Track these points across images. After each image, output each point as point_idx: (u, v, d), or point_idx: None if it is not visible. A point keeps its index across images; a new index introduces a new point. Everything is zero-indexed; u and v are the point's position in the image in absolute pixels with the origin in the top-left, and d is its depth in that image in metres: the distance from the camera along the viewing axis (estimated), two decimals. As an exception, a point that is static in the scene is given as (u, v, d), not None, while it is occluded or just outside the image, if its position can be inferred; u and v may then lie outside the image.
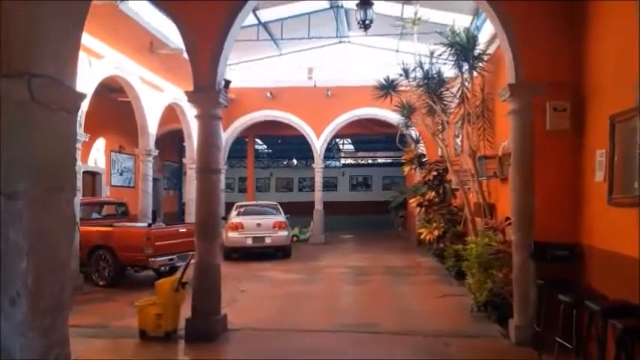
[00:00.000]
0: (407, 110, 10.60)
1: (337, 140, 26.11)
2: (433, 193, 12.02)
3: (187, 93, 6.17)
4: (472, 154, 8.62)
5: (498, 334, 5.78)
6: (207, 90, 6.07)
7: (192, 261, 6.22)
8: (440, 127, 10.61)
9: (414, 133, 14.55)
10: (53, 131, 2.83)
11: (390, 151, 28.73)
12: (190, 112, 15.25)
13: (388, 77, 10.17)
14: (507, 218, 6.40)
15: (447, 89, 9.63)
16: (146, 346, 5.66)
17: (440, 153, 14.38)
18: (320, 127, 17.62)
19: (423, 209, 12.25)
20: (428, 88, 9.45)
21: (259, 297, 8.65)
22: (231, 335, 6.07)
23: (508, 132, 8.00)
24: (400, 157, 28.68)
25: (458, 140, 11.89)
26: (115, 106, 15.06)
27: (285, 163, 29.93)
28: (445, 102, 9.71)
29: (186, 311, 6.05)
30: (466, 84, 8.62)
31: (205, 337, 5.79)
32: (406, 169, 13.73)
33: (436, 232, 11.47)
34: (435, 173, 12.14)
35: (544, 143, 5.28)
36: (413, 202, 12.37)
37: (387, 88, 10.17)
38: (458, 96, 9.16)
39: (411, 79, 9.62)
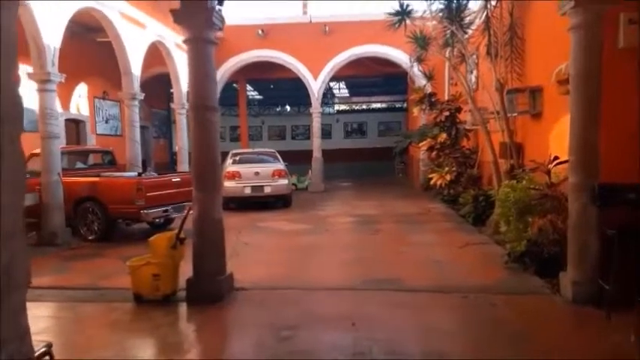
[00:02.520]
0: (421, 41, 9.51)
1: (331, 85, 24.87)
2: (445, 135, 11.14)
3: (174, 12, 5.10)
4: (499, 87, 7.67)
5: (546, 290, 5.08)
6: (198, 8, 5.01)
7: (191, 212, 5.37)
8: (459, 59, 9.59)
9: (420, 72, 13.51)
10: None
11: (386, 95, 27.64)
12: (177, 53, 14.00)
13: (403, 2, 9.01)
14: (555, 157, 5.56)
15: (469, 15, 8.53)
16: (143, 312, 4.91)
17: (449, 92, 13.43)
18: (317, 67, 16.44)
19: (434, 153, 11.42)
20: (449, 14, 8.35)
21: (264, 250, 7.90)
22: (238, 296, 5.33)
23: (542, 60, 7.10)
24: (397, 101, 27.90)
25: (472, 76, 10.91)
26: (95, 49, 13.76)
27: (277, 110, 28.69)
28: (467, 30, 8.64)
29: (185, 270, 5.28)
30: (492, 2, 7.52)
31: (209, 299, 5.04)
32: (415, 110, 12.76)
33: (448, 177, 10.71)
34: (447, 113, 11.22)
35: (614, 65, 4.37)
36: (423, 145, 11.52)
37: (402, 14, 9.03)
38: (481, 21, 8.09)
39: (428, 2, 8.46)
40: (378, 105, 29.21)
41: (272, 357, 3.80)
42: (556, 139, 6.38)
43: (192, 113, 5.27)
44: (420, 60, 10.65)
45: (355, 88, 26.61)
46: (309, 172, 17.06)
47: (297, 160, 17.56)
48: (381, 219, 10.43)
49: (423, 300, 5.04)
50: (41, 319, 4.68)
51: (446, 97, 13.03)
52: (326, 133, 26.13)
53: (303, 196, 14.81)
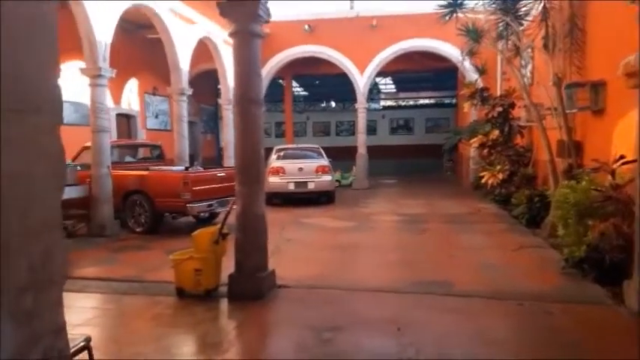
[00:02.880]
0: (473, 34, 9.11)
1: (377, 80, 24.50)
2: (497, 132, 10.67)
3: (220, 5, 5.02)
4: (557, 82, 7.21)
5: (608, 300, 4.69)
6: (244, 0, 4.92)
7: (234, 207, 5.30)
8: (514, 52, 9.12)
9: (471, 66, 13.03)
10: (16, 19, 1.81)
11: (434, 90, 26.98)
12: (224, 50, 14.11)
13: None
14: (621, 157, 5.14)
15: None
16: (185, 307, 4.88)
17: (501, 87, 12.88)
18: (363, 62, 16.16)
19: (486, 150, 10.96)
20: (503, 4, 7.93)
21: (307, 247, 7.79)
22: (280, 294, 5.22)
23: (606, 53, 6.60)
24: (446, 97, 27.16)
25: (526, 70, 10.38)
26: (146, 45, 14.08)
27: (322, 106, 28.59)
28: (522, 21, 8.19)
29: (227, 265, 5.23)
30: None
31: (251, 296, 4.96)
32: (466, 105, 12.30)
33: (500, 176, 10.24)
34: (499, 109, 10.73)
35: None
36: (474, 142, 11.07)
37: (453, 6, 8.67)
38: (538, 12, 7.63)
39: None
40: (426, 101, 28.60)
41: (312, 359, 3.65)
42: (621, 136, 5.92)
43: (236, 107, 5.20)
44: (471, 53, 10.22)
45: (402, 84, 26.16)
46: (353, 168, 16.86)
47: (341, 157, 17.40)
48: (428, 218, 10.11)
49: (475, 306, 4.76)
50: (85, 311, 4.74)
51: (498, 93, 12.51)
52: (371, 130, 25.81)
53: (346, 193, 14.63)
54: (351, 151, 16.97)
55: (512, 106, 10.89)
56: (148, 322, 4.51)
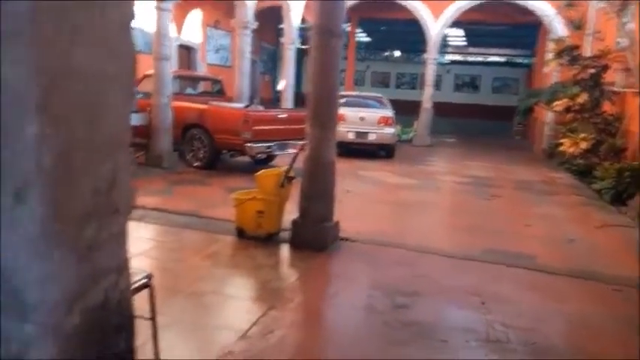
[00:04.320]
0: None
1: (446, 31, 22.99)
2: (586, 96, 9.62)
3: None
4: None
5: None
6: None
7: (303, 151, 4.88)
8: (618, 8, 8.00)
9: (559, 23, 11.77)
10: None
11: (506, 47, 25.16)
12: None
13: None
14: None
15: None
16: (244, 248, 4.59)
17: (592, 48, 11.61)
18: (439, 9, 14.98)
19: (570, 115, 9.97)
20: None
21: (367, 200, 7.35)
22: (344, 246, 4.84)
23: None
24: (518, 55, 25.32)
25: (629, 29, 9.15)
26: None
27: (385, 55, 27.34)
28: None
29: (289, 210, 4.89)
30: None
31: (314, 246, 4.59)
32: (552, 64, 11.17)
33: (583, 145, 9.29)
34: (592, 71, 9.63)
35: None
36: (558, 105, 10.06)
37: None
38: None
39: None
40: (496, 58, 26.84)
41: (386, 326, 3.26)
42: None
43: (315, 39, 4.65)
44: (570, 6, 9.09)
45: (473, 37, 24.46)
46: (415, 123, 16.05)
47: (399, 111, 16.55)
48: (497, 183, 9.40)
49: (562, 285, 4.22)
50: (142, 241, 4.52)
51: (588, 53, 11.27)
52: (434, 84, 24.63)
53: (406, 149, 13.94)
54: (411, 105, 16.12)
55: (606, 68, 9.75)
56: (206, 260, 4.24)
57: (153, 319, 2.58)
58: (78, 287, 1.55)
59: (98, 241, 1.63)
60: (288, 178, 4.74)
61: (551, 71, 12.32)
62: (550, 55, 11.19)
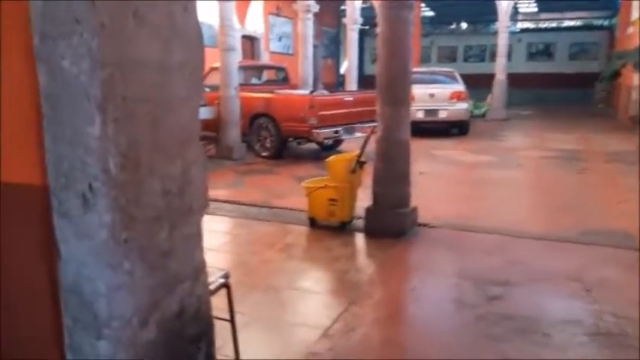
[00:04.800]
0: None
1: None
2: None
3: None
4: None
5: None
6: None
7: (374, 133, 4.63)
8: None
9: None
10: None
11: (583, 10, 23.22)
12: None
13: None
14: None
15: None
16: (318, 238, 4.44)
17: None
18: (508, -27, 14.00)
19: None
20: None
21: (443, 181, 6.98)
22: (424, 233, 4.56)
23: None
24: (598, 17, 23.31)
25: None
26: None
27: (450, 28, 26.16)
28: None
29: (361, 197, 4.68)
30: None
31: (391, 233, 4.36)
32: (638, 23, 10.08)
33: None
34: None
35: None
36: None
37: None
38: None
39: None
40: (572, 23, 24.89)
41: (480, 320, 2.98)
42: None
43: (384, 11, 4.35)
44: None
45: (545, 2, 22.78)
46: (488, 97, 15.22)
47: (469, 85, 15.72)
48: (584, 156, 8.65)
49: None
50: (216, 235, 4.49)
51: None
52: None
53: (480, 124, 13.23)
54: (482, 79, 15.27)
55: None
56: (280, 253, 4.12)
57: (232, 320, 2.47)
58: (152, 298, 1.43)
59: (172, 246, 1.50)
60: (360, 163, 4.51)
61: (637, 32, 11.13)
62: (636, 14, 10.09)
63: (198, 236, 1.62)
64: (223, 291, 2.40)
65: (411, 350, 2.66)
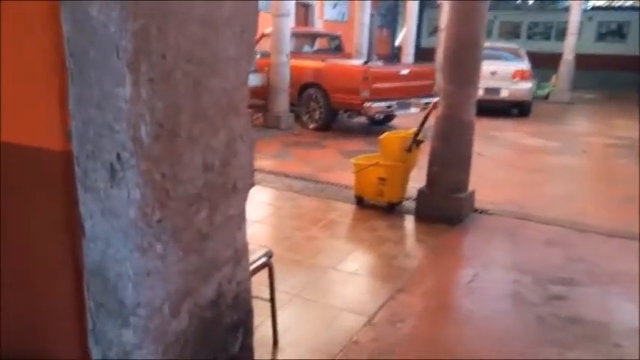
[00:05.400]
0: None
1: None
2: None
3: None
4: None
5: None
6: None
7: (427, 110, 4.32)
8: None
9: None
10: None
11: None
12: None
13: None
14: None
15: None
16: (364, 218, 4.22)
17: None
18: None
19: None
20: None
21: (503, 165, 6.55)
22: (481, 220, 4.27)
23: None
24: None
25: None
26: None
27: (516, 3, 24.72)
28: None
29: (413, 176, 4.41)
30: None
31: (445, 219, 4.08)
32: None
33: None
34: None
35: None
36: None
37: None
38: None
39: None
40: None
41: (541, 322, 2.71)
42: None
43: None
44: None
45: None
46: (553, 77, 14.30)
47: (532, 64, 14.83)
48: (655, 145, 7.96)
49: None
50: (259, 206, 4.37)
51: None
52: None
53: (542, 106, 12.45)
54: (546, 58, 14.33)
55: None
56: (324, 230, 3.94)
57: (272, 300, 2.32)
58: (185, 284, 1.25)
59: (211, 228, 1.31)
60: (417, 142, 4.22)
61: None
62: None
63: (241, 217, 1.43)
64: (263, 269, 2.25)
65: (464, 351, 2.43)
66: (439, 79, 4.31)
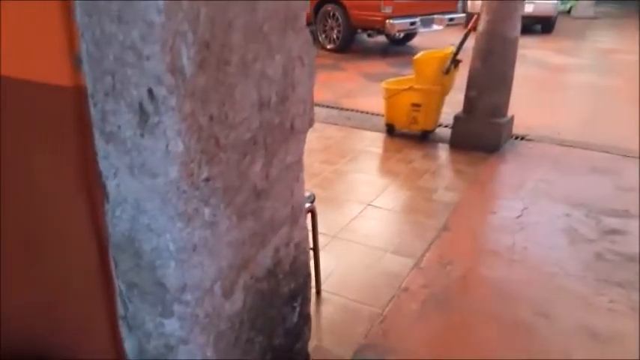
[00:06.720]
0: None
1: None
2: None
3: None
4: None
5: None
6: None
7: (468, 27, 3.88)
8: None
9: None
10: None
11: None
12: None
13: None
14: None
15: None
16: (397, 149, 3.92)
17: None
18: None
19: None
20: None
21: (533, 86, 6.12)
22: (521, 148, 3.96)
23: None
24: None
25: None
26: None
27: None
28: None
29: (448, 101, 4.06)
30: None
31: (483, 146, 3.80)
32: None
33: None
34: None
35: None
36: None
37: None
38: None
39: None
40: None
41: (600, 259, 2.49)
42: None
43: None
44: None
45: None
46: (576, -10, 13.33)
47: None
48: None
49: None
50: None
51: None
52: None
53: (565, 22, 11.70)
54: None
55: None
56: (355, 163, 3.67)
57: (315, 248, 2.09)
58: (240, 255, 0.99)
59: (267, 182, 1.03)
60: (455, 62, 3.81)
61: None
62: None
63: (299, 165, 1.15)
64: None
65: (523, 296, 2.22)
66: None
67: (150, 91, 0.75)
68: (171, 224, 0.83)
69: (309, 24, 6.19)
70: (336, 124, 4.43)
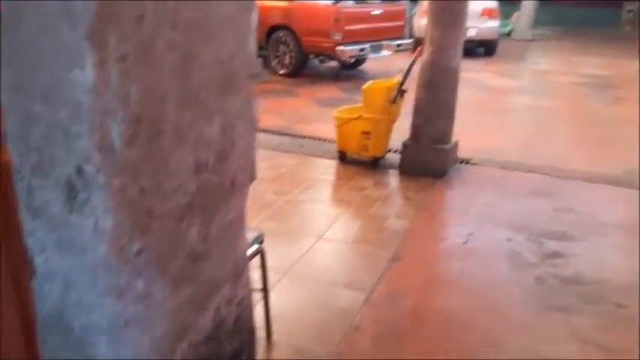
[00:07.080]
0: None
1: None
2: None
3: None
4: None
5: None
6: None
7: (414, 57, 4.01)
8: None
9: None
10: None
11: None
12: None
13: None
14: None
15: None
16: (349, 176, 3.97)
17: None
18: None
19: None
20: None
21: (475, 109, 6.31)
22: (466, 172, 4.10)
23: None
24: None
25: None
26: None
27: None
28: None
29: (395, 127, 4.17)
30: None
31: (429, 172, 3.90)
32: None
33: None
34: None
35: None
36: None
37: None
38: None
39: None
40: None
41: (541, 284, 2.59)
42: None
43: None
44: None
45: None
46: (515, 14, 14.07)
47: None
48: (617, 82, 7.97)
49: None
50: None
51: None
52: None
53: (506, 45, 12.26)
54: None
55: None
56: (308, 192, 3.67)
57: (264, 289, 2.06)
58: (178, 323, 0.97)
59: (206, 244, 1.02)
60: (401, 92, 3.92)
61: None
62: None
63: (240, 221, 1.14)
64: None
65: (472, 326, 2.27)
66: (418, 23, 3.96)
67: (79, 168, 0.73)
68: (102, 300, 0.81)
69: (260, 49, 6.23)
70: (288, 152, 4.44)
